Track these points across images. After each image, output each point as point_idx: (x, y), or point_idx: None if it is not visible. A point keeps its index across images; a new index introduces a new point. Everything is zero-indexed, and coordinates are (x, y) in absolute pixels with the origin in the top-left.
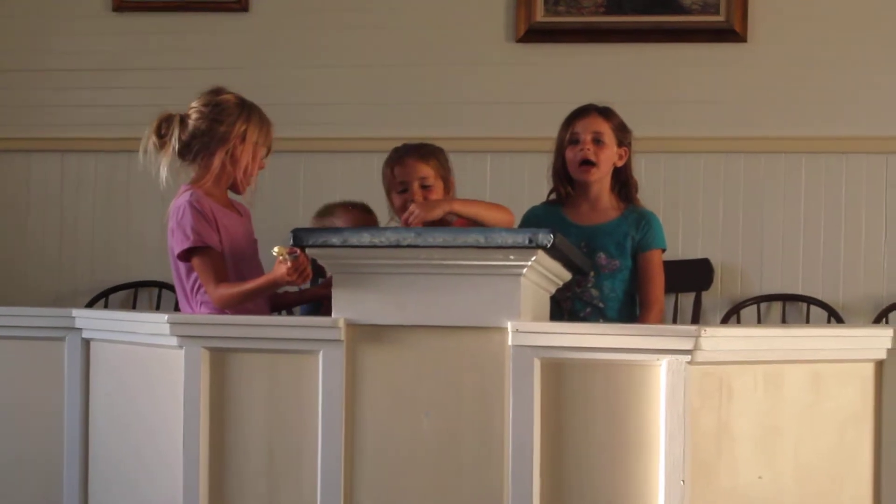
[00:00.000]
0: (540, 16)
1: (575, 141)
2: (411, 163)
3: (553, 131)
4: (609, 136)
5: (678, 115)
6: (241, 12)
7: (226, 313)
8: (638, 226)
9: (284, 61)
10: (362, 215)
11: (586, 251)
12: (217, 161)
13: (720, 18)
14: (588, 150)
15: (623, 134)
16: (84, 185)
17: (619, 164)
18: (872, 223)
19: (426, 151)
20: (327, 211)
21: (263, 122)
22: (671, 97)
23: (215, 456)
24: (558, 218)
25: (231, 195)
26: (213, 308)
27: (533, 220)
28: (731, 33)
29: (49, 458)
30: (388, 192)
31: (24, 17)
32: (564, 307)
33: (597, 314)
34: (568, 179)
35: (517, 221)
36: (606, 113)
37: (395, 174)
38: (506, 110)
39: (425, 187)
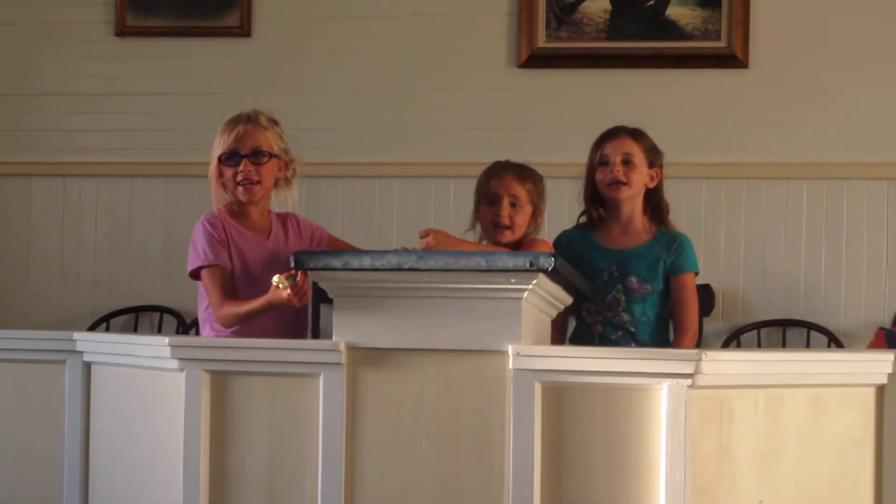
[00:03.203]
0: (542, 41)
1: (605, 163)
2: (509, 178)
3: (555, 156)
4: (639, 157)
5: (679, 140)
6: (243, 38)
7: (236, 329)
8: (670, 249)
9: (286, 86)
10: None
11: (617, 276)
12: (211, 183)
13: (721, 44)
14: (618, 171)
15: (654, 155)
16: (85, 208)
17: (651, 185)
18: (874, 249)
19: (526, 172)
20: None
21: (220, 132)
22: (673, 122)
23: (216, 478)
24: (589, 242)
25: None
26: (224, 332)
27: (564, 243)
28: (732, 59)
29: (49, 481)
30: (478, 202)
31: (27, 41)
32: (595, 331)
33: (628, 338)
34: (600, 202)
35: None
36: (636, 134)
37: (489, 185)
38: (508, 135)
39: (514, 206)
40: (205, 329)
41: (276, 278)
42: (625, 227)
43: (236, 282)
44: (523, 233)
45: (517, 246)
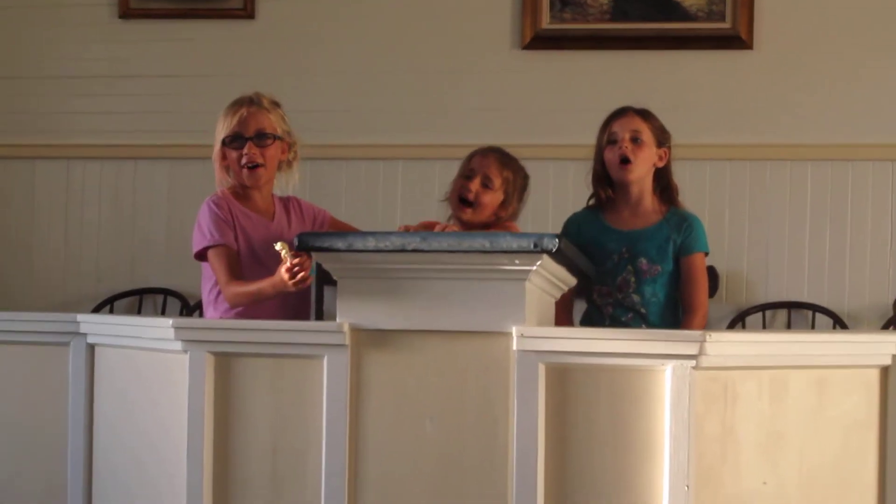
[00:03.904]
0: (546, 23)
1: (613, 141)
2: (490, 158)
3: (559, 138)
4: (648, 136)
5: (683, 122)
6: (247, 20)
7: (239, 311)
8: (680, 229)
9: (290, 69)
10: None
11: (627, 257)
12: (215, 166)
13: (726, 25)
14: (626, 147)
15: (663, 135)
16: (89, 191)
17: (660, 164)
18: (878, 230)
19: (509, 161)
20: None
21: (224, 114)
22: (677, 104)
23: (219, 460)
24: (598, 223)
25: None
26: (228, 314)
27: (573, 226)
28: (736, 40)
29: (53, 463)
30: (456, 177)
31: (30, 24)
32: (606, 313)
33: (639, 319)
34: (608, 183)
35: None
36: (644, 114)
37: (471, 161)
38: (512, 117)
39: (485, 186)
40: (208, 311)
41: (278, 245)
42: (634, 209)
43: (241, 263)
44: (488, 216)
45: (484, 229)
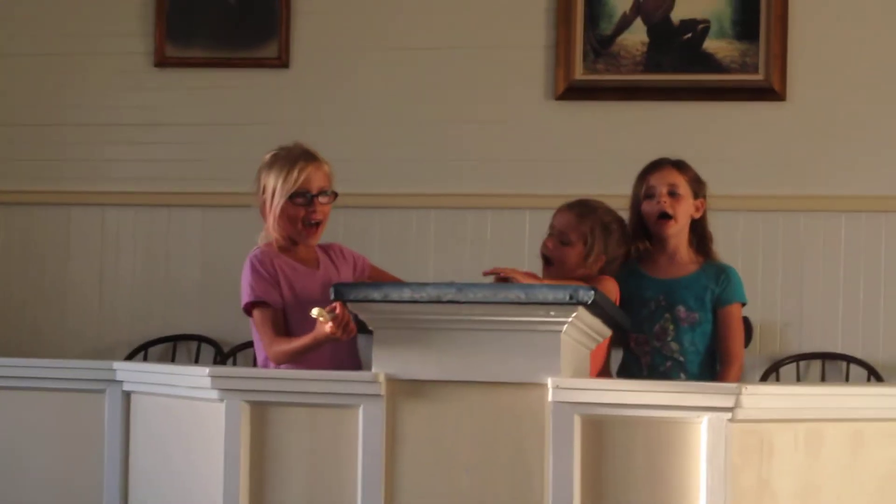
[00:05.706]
0: (579, 73)
1: (651, 195)
2: (570, 215)
3: (592, 189)
4: (685, 188)
5: (717, 173)
6: (281, 69)
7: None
8: (718, 279)
9: (324, 117)
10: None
11: (665, 305)
12: (268, 219)
13: (759, 77)
14: (664, 202)
15: (698, 186)
16: (124, 238)
17: (696, 215)
18: None
19: (588, 211)
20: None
21: (282, 168)
22: (710, 155)
23: None
24: (635, 272)
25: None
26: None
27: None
28: (770, 92)
29: None
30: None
31: (66, 72)
32: (644, 362)
33: (677, 368)
34: (645, 234)
35: None
36: (680, 165)
37: (553, 217)
38: (545, 168)
39: (563, 243)
40: (259, 355)
41: (315, 311)
42: (671, 258)
43: (290, 315)
44: (571, 271)
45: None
